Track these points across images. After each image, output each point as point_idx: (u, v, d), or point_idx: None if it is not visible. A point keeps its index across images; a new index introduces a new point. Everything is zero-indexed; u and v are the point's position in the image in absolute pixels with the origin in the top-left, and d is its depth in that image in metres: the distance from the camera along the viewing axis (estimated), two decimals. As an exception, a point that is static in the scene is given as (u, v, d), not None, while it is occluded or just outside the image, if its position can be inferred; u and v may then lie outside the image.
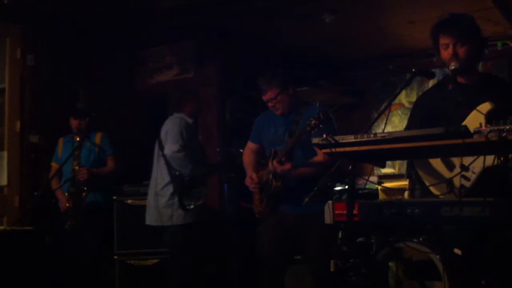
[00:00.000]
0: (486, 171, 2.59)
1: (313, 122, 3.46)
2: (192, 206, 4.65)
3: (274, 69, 3.99)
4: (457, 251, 2.72)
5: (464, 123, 2.77)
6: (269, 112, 4.06)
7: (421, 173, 3.00)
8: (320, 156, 3.72)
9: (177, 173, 4.65)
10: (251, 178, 3.97)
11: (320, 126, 3.43)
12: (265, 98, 3.94)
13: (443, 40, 2.99)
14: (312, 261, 3.88)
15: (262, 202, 3.91)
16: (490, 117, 2.71)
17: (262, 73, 3.97)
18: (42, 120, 5.74)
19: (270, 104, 3.95)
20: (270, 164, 3.77)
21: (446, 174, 2.84)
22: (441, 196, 2.78)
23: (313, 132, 3.46)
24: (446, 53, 2.98)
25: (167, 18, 5.86)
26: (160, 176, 4.78)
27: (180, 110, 4.87)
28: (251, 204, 4.08)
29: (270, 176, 3.82)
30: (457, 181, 2.70)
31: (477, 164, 2.56)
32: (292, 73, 4.15)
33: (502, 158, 2.34)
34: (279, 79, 3.91)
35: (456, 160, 2.78)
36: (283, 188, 3.79)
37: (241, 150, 4.37)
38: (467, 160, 2.66)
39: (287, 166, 3.70)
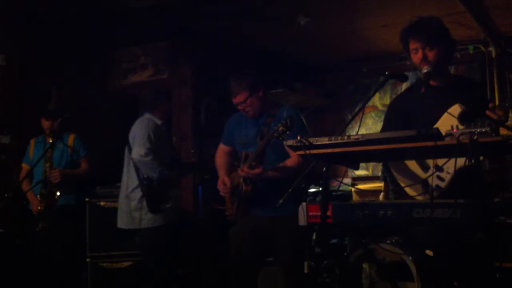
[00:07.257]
0: (460, 172, 2.62)
1: (280, 128, 3.42)
2: (161, 209, 4.60)
3: (243, 72, 3.94)
4: (429, 252, 2.75)
5: (436, 125, 2.81)
6: (240, 114, 4.01)
7: (396, 175, 3.02)
8: (292, 159, 3.70)
9: (144, 176, 4.61)
10: (223, 183, 3.93)
11: (287, 132, 3.40)
12: (235, 101, 3.89)
13: (412, 45, 3.04)
14: (284, 263, 3.86)
15: (234, 205, 3.90)
16: (463, 119, 2.75)
17: (231, 76, 3.92)
18: (13, 121, 5.66)
19: (240, 107, 3.91)
20: (240, 169, 3.75)
21: (421, 175, 2.86)
22: (417, 197, 2.81)
23: (280, 138, 3.43)
24: (416, 57, 3.02)
25: (141, 18, 5.82)
26: (130, 179, 4.71)
27: (151, 111, 4.83)
28: (224, 206, 4.06)
29: (241, 179, 3.79)
30: (432, 182, 2.73)
31: (452, 164, 2.58)
32: (263, 75, 4.10)
33: (473, 160, 2.36)
34: (248, 82, 3.86)
35: (431, 162, 2.82)
36: (253, 192, 3.76)
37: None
38: (442, 162, 2.69)
39: (258, 170, 3.66)
